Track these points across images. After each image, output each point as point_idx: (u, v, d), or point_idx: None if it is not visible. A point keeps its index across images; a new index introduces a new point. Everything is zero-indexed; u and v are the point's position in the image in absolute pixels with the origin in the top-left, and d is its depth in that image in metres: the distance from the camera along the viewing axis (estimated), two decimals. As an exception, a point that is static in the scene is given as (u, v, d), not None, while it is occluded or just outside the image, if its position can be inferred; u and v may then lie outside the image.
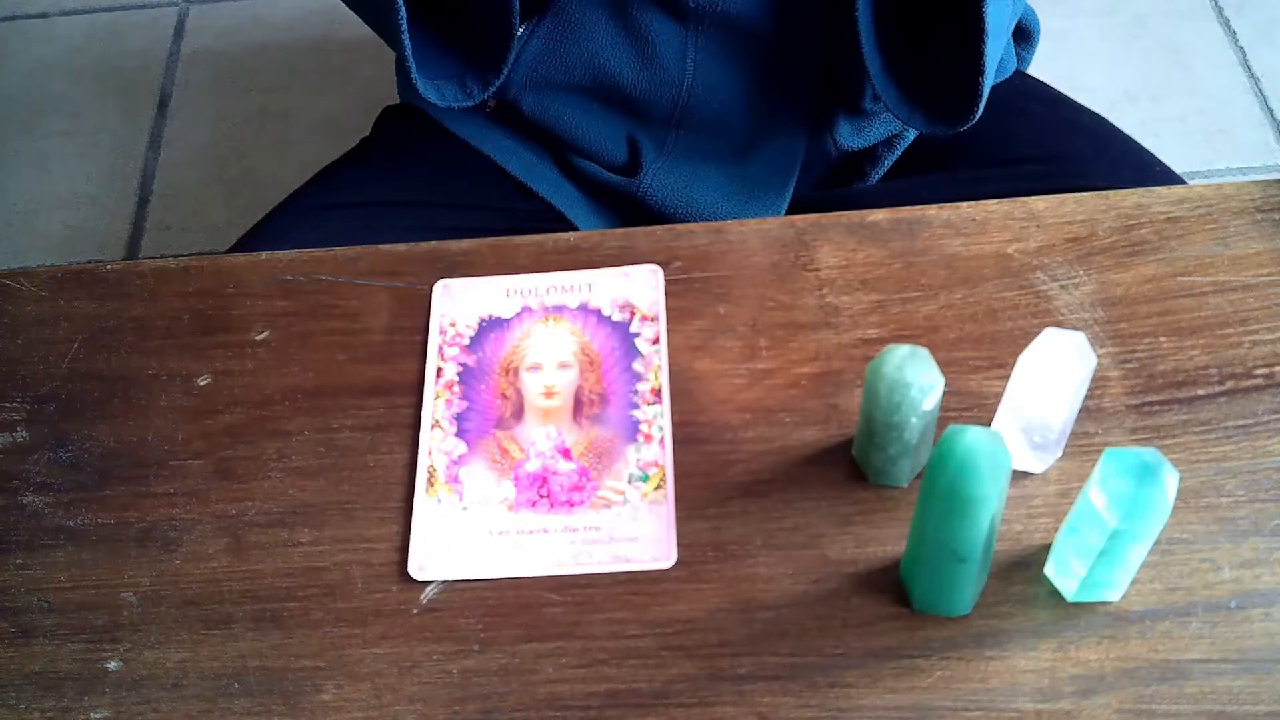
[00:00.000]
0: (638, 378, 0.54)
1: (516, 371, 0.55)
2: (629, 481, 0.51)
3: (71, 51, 1.64)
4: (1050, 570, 0.47)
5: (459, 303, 0.57)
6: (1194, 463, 0.49)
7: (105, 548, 0.51)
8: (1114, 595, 0.46)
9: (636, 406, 0.53)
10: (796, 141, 0.73)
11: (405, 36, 0.59)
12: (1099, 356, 0.53)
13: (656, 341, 0.55)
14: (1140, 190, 0.58)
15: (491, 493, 0.51)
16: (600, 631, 0.47)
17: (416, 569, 0.49)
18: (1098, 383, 0.52)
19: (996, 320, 0.54)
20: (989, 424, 0.51)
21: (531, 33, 0.73)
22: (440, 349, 0.55)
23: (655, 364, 0.54)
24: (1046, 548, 0.48)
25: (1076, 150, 0.77)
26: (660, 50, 0.71)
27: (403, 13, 0.58)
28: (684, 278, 0.57)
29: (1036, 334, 0.52)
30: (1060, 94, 0.85)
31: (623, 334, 0.55)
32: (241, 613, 0.49)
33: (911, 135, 0.77)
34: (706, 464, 0.51)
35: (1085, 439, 0.50)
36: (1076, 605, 0.46)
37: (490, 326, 0.56)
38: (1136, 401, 0.51)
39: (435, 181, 0.81)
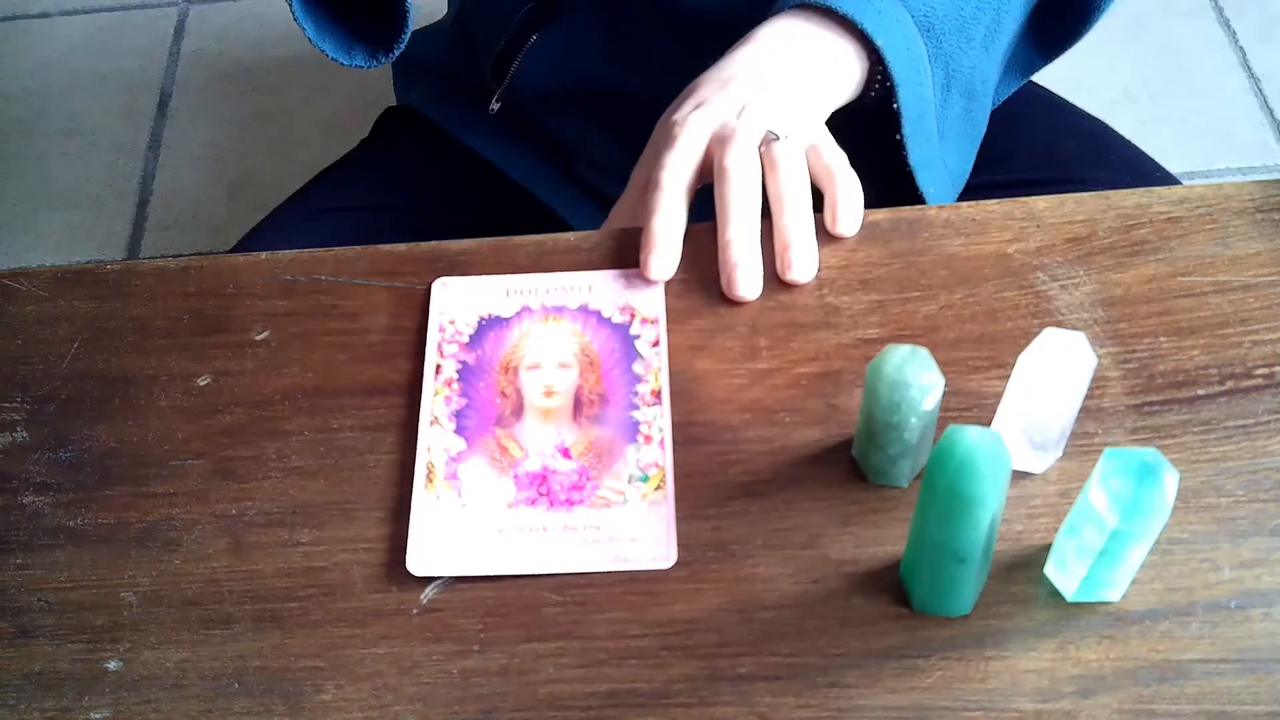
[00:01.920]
0: (638, 379, 0.54)
1: (516, 370, 0.55)
2: (629, 481, 0.51)
3: (71, 51, 1.64)
4: (1050, 570, 0.47)
5: (458, 301, 0.57)
6: (1194, 463, 0.49)
7: (105, 548, 0.51)
8: (1114, 595, 0.46)
9: (636, 408, 0.53)
10: None
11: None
12: (1099, 356, 0.53)
13: (657, 344, 0.55)
14: (1140, 190, 0.58)
15: (491, 490, 0.51)
16: (600, 631, 0.47)
17: (415, 564, 0.49)
18: (1098, 383, 0.52)
19: (996, 320, 0.54)
20: (989, 424, 0.51)
21: (538, 47, 0.73)
22: (439, 346, 0.55)
23: (655, 366, 0.54)
24: (1046, 548, 0.48)
25: (1076, 155, 0.77)
26: (660, 64, 0.72)
27: None
28: (684, 278, 0.57)
29: (1036, 334, 0.52)
30: (1060, 99, 0.85)
31: (623, 336, 0.55)
32: (241, 613, 0.49)
33: None
34: (706, 464, 0.51)
35: (1085, 439, 0.50)
36: (1076, 605, 0.47)
37: (490, 325, 0.56)
38: (1136, 401, 0.51)
39: (435, 185, 0.81)
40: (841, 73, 0.61)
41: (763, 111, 0.57)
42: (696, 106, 0.58)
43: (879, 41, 0.59)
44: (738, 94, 0.58)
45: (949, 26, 0.64)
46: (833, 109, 0.61)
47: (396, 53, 0.60)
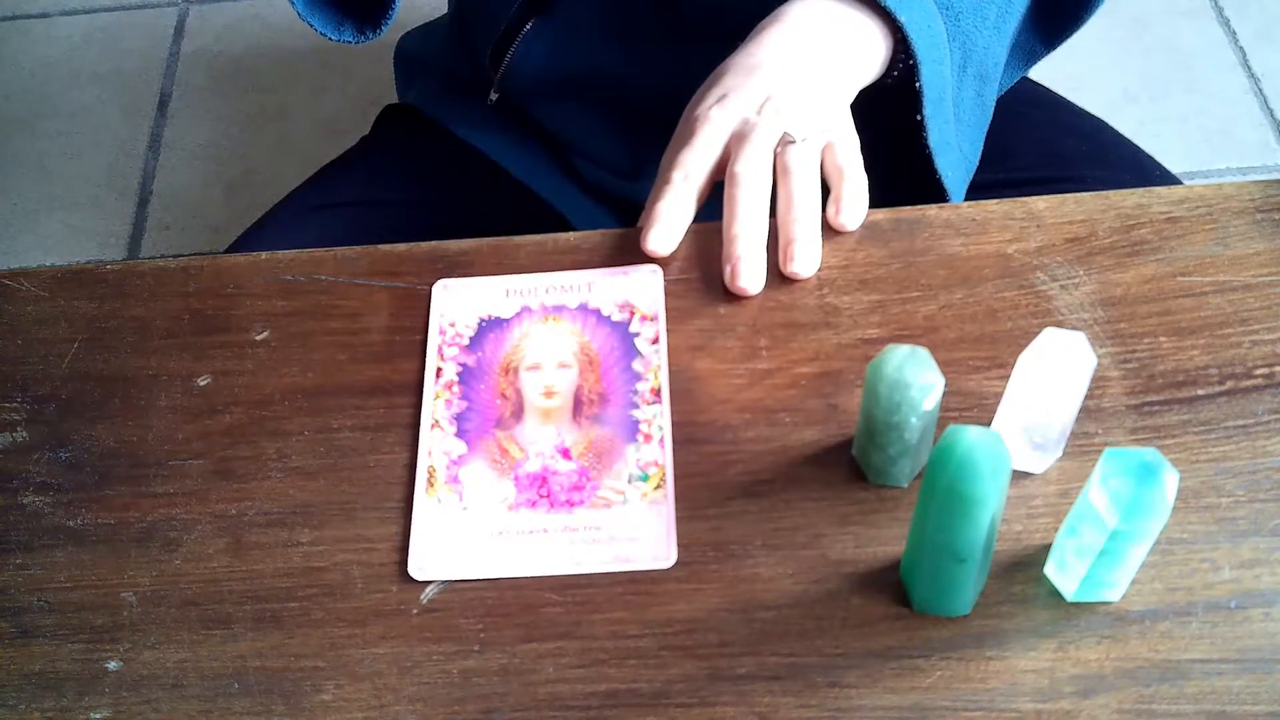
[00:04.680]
0: (637, 377, 0.54)
1: (516, 371, 0.55)
2: (629, 481, 0.51)
3: (71, 51, 1.64)
4: (1050, 570, 0.47)
5: (459, 302, 0.57)
6: (1194, 463, 0.49)
7: (105, 548, 0.51)
8: (1114, 595, 0.46)
9: (636, 406, 0.53)
10: None
11: None
12: (1099, 356, 0.53)
13: (656, 341, 0.55)
14: (1140, 190, 0.58)
15: (491, 493, 0.51)
16: (600, 631, 0.47)
17: (416, 569, 0.49)
18: (1098, 383, 0.52)
19: (996, 320, 0.54)
20: (989, 424, 0.51)
21: (534, 33, 0.73)
22: (440, 349, 0.55)
23: (655, 364, 0.54)
24: (1046, 548, 0.48)
25: (1076, 155, 0.77)
26: (659, 60, 0.72)
27: None
28: (684, 278, 0.57)
29: (1036, 334, 0.52)
30: (1060, 98, 0.85)
31: (622, 334, 0.55)
32: (241, 613, 0.49)
33: None
34: (706, 464, 0.51)
35: (1085, 439, 0.50)
36: (1076, 605, 0.47)
37: (490, 326, 0.56)
38: (1136, 401, 0.51)
39: (435, 181, 0.81)
40: (867, 52, 0.61)
41: (785, 106, 0.58)
42: (720, 99, 0.58)
43: (902, 18, 0.59)
44: (762, 85, 0.58)
45: (966, 5, 0.64)
46: (858, 90, 0.61)
47: (385, 28, 0.60)
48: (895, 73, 0.63)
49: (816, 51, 0.59)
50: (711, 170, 0.58)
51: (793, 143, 0.57)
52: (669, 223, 0.57)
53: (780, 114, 0.57)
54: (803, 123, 0.58)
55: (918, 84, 0.61)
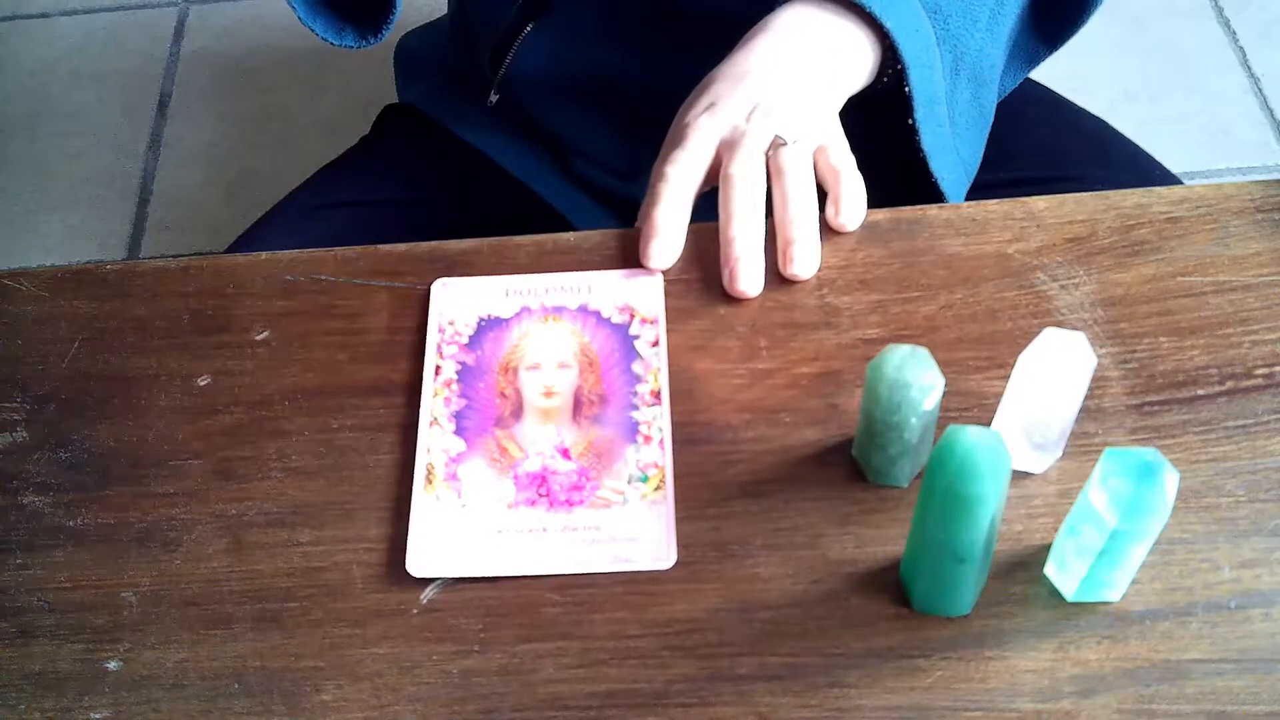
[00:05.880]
0: (637, 380, 0.54)
1: (515, 370, 0.55)
2: (629, 482, 0.51)
3: (71, 51, 1.64)
4: (1050, 570, 0.47)
5: (458, 302, 0.57)
6: (1194, 463, 0.49)
7: (105, 548, 0.51)
8: (1114, 595, 0.46)
9: (636, 408, 0.53)
10: None
11: None
12: (1099, 356, 0.53)
13: (656, 344, 0.55)
14: (1140, 190, 0.58)
15: (490, 490, 0.51)
16: (600, 631, 0.47)
17: (415, 565, 0.49)
18: (1098, 383, 0.52)
19: (996, 320, 0.54)
20: (989, 424, 0.51)
21: (534, 36, 0.73)
22: (439, 347, 0.55)
23: (655, 366, 0.54)
24: (1046, 548, 0.48)
25: (1076, 154, 0.77)
26: (654, 52, 0.72)
27: None
28: (684, 278, 0.57)
29: (1036, 334, 0.52)
30: (1060, 97, 0.85)
31: (622, 336, 0.55)
32: (241, 613, 0.49)
33: None
34: (706, 464, 0.51)
35: (1085, 439, 0.50)
36: (1076, 605, 0.47)
37: (489, 326, 0.56)
38: (1136, 401, 0.51)
39: (435, 181, 0.81)
40: (854, 59, 0.61)
41: (773, 112, 0.58)
42: (709, 107, 0.59)
43: (888, 24, 0.59)
44: (750, 92, 0.58)
45: (955, 8, 0.64)
46: (846, 97, 0.61)
47: (385, 34, 0.61)
48: (885, 78, 0.63)
49: (805, 58, 0.60)
50: (703, 177, 0.58)
51: (784, 145, 0.57)
52: (668, 235, 0.57)
53: (770, 119, 0.57)
54: (793, 126, 0.58)
55: (907, 89, 0.61)
